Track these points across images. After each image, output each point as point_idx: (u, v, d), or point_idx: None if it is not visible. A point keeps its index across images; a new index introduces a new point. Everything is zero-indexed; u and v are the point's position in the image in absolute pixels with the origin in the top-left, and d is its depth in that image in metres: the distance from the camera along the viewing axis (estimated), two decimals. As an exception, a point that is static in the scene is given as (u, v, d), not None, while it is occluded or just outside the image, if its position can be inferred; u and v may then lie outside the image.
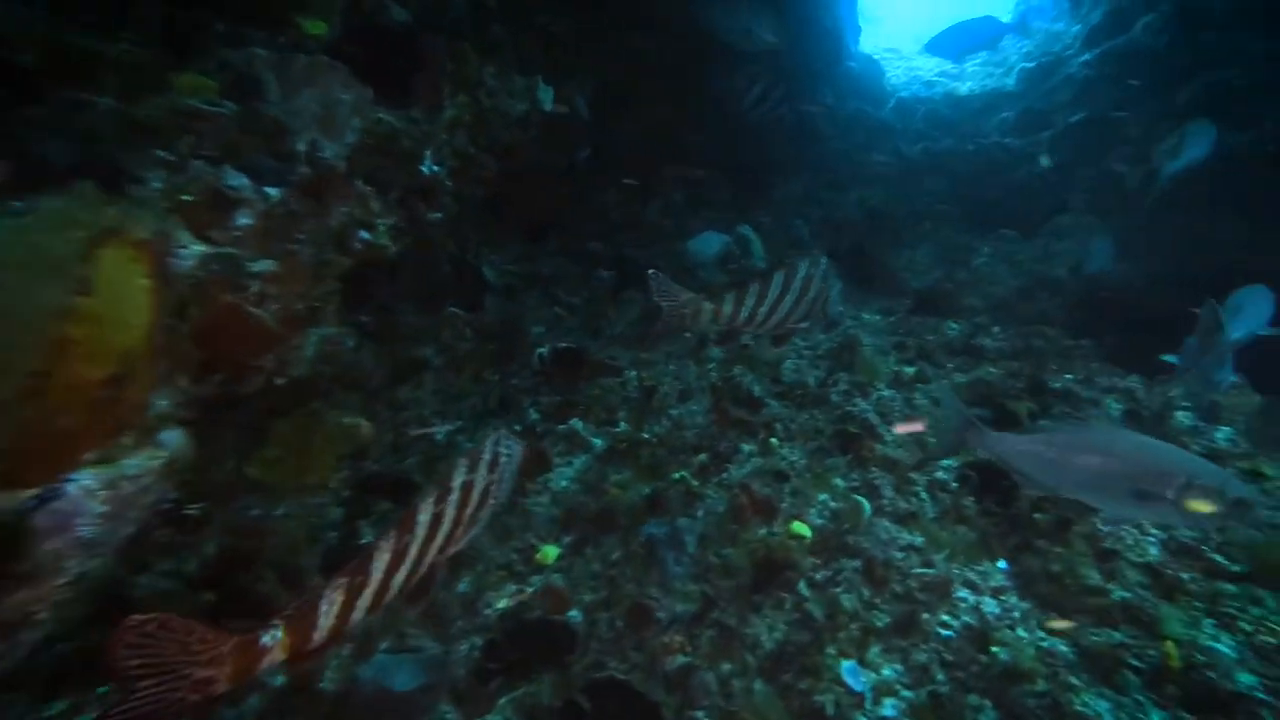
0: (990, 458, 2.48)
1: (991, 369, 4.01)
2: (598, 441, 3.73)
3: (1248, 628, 2.41)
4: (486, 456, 1.98)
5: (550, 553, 3.10)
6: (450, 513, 1.83)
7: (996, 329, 4.87)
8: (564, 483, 3.48)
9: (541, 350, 4.02)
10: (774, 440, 3.70)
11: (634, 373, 4.18)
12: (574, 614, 2.81)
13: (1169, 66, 6.52)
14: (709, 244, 5.92)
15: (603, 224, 6.32)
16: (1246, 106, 5.73)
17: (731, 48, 6.33)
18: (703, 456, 3.57)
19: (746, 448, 3.66)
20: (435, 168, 3.47)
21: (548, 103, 4.68)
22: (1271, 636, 2.36)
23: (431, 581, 1.87)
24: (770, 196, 6.98)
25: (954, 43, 6.57)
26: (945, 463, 3.41)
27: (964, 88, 8.85)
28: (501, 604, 2.83)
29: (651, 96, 6.78)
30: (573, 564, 3.07)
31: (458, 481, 1.87)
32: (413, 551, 1.73)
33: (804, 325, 3.35)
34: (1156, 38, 6.45)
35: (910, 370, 4.19)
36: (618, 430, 3.79)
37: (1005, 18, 8.37)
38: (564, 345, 4.03)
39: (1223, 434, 3.53)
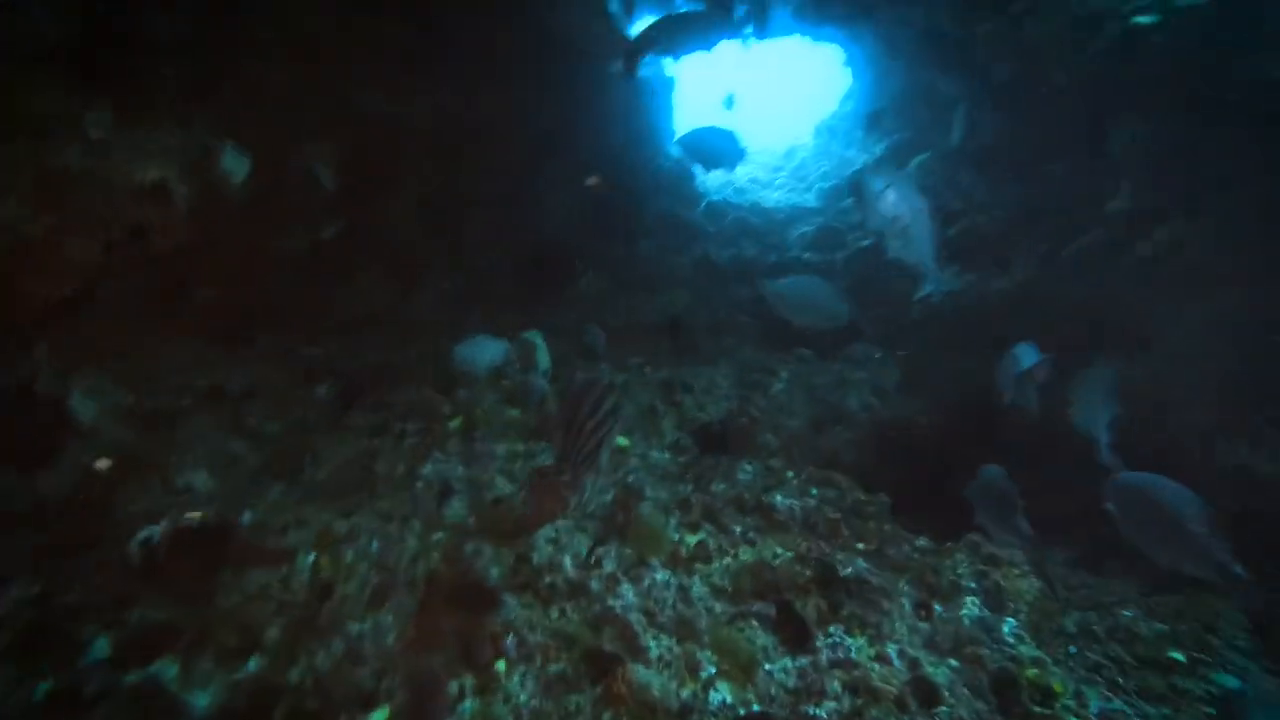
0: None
1: (779, 548, 3.34)
2: (202, 702, 2.33)
3: None
4: None
5: None
6: None
7: (790, 474, 4.34)
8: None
9: (149, 532, 2.57)
10: (500, 665, 2.60)
11: (311, 557, 2.88)
12: None
13: (938, 204, 7.01)
14: (482, 351, 4.88)
15: (343, 320, 5.03)
16: (995, 252, 6.19)
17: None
18: (379, 714, 2.35)
19: (457, 684, 2.52)
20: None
21: (239, 173, 3.44)
22: None
23: None
24: (564, 294, 6.22)
25: (696, 148, 6.33)
26: (718, 697, 2.55)
27: (771, 198, 9.11)
28: None
29: (425, 167, 5.78)
30: None
31: None
32: None
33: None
34: (927, 177, 6.92)
35: (692, 540, 3.40)
36: (243, 674, 2.42)
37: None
38: (191, 518, 2.63)
39: (1008, 626, 3.13)
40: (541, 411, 4.47)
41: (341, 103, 5.06)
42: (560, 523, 3.40)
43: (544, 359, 4.92)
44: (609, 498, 3.69)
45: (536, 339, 4.99)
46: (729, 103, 7.57)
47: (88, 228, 2.65)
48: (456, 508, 3.37)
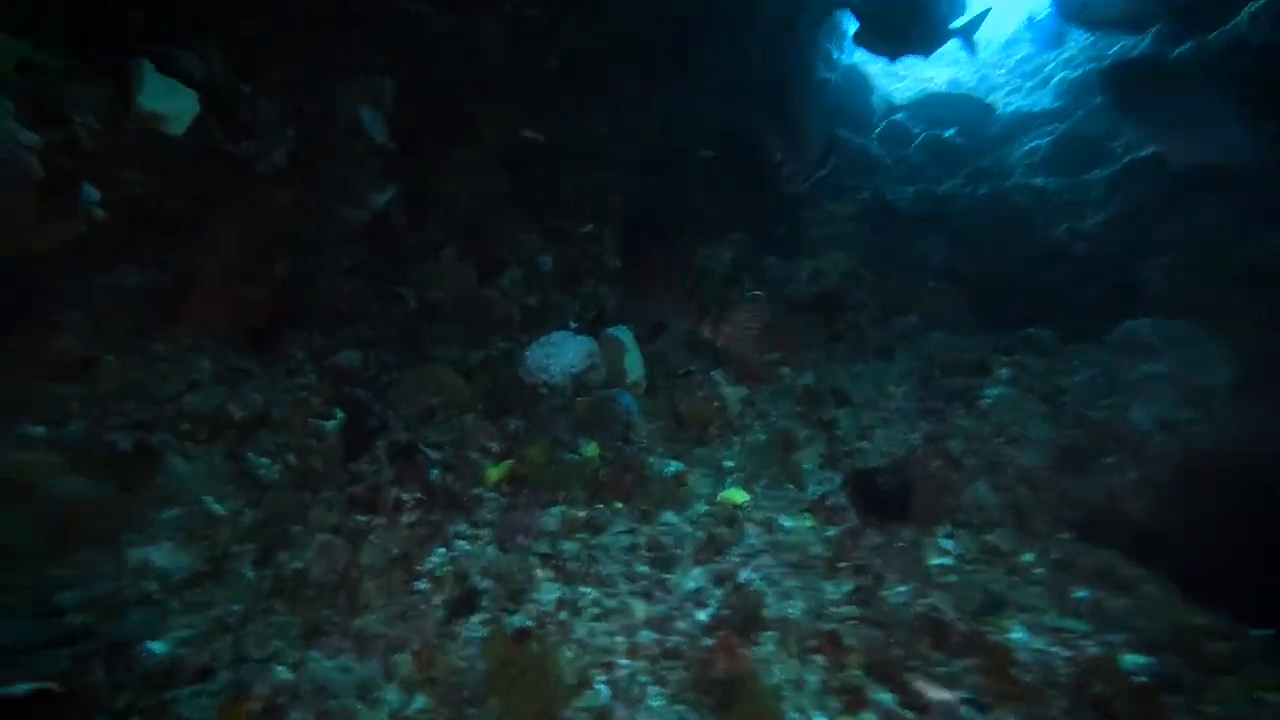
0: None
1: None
2: None
3: None
4: None
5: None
6: None
7: (1029, 558, 2.56)
8: None
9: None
10: None
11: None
12: None
13: None
14: (560, 354, 3.66)
15: (404, 312, 4.08)
16: None
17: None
18: None
19: None
20: None
21: (179, 115, 2.45)
22: None
23: None
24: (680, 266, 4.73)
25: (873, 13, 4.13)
26: None
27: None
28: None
29: (505, 107, 4.57)
30: None
31: None
32: None
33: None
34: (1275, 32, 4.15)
35: (849, 734, 1.87)
36: None
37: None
38: (18, 691, 1.71)
39: None
40: (624, 450, 3.13)
41: (392, 21, 4.00)
42: (622, 665, 2.08)
43: (635, 365, 3.55)
44: (705, 615, 2.27)
45: (625, 336, 3.62)
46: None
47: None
48: (471, 632, 2.19)
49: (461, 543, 2.53)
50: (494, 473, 2.90)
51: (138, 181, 2.53)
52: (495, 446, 3.08)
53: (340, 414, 3.05)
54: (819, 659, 2.07)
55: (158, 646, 1.99)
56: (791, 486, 3.06)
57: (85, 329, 2.81)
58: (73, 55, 2.14)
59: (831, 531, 2.67)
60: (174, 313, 3.17)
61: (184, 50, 2.59)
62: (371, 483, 2.53)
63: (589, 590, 2.37)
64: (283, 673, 1.94)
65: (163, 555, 2.44)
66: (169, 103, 2.39)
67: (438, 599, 2.30)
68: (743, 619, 2.23)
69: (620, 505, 2.86)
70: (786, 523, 2.75)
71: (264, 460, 2.90)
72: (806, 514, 2.81)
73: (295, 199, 3.84)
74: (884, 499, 2.72)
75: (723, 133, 4.99)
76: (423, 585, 2.33)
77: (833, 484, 2.99)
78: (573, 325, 4.20)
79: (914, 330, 3.99)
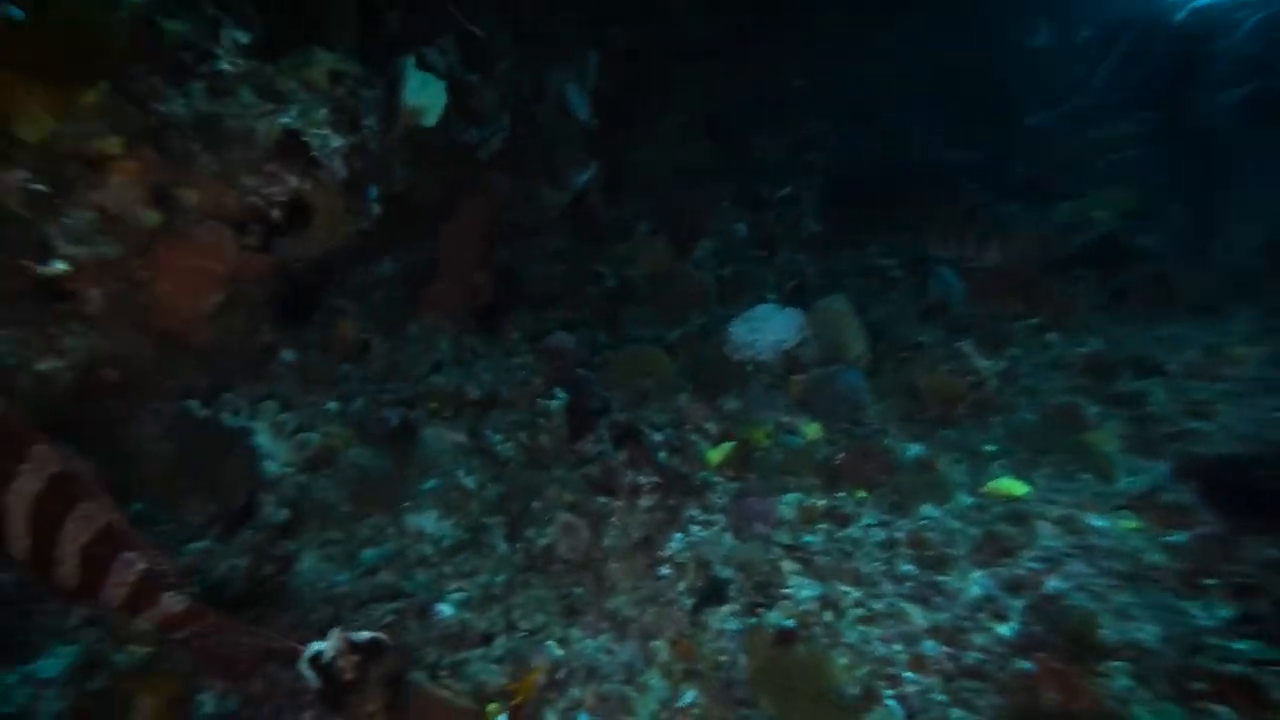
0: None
1: None
2: None
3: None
4: None
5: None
6: None
7: None
8: None
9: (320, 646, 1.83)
10: None
11: None
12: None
13: None
14: (766, 328, 3.34)
15: (607, 289, 4.05)
16: None
17: None
18: None
19: None
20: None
21: (432, 106, 2.56)
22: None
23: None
24: (904, 222, 4.14)
25: None
26: None
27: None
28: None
29: (695, 80, 4.34)
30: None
31: None
32: None
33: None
34: None
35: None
36: None
37: None
38: (359, 637, 1.82)
39: None
40: (854, 431, 2.74)
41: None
42: (909, 680, 1.74)
43: (856, 339, 3.11)
44: (1008, 629, 1.83)
45: (843, 306, 3.19)
46: None
47: (220, 207, 1.96)
48: (722, 624, 2.00)
49: (696, 528, 2.36)
50: (714, 455, 2.70)
51: (403, 176, 2.69)
52: (712, 427, 2.87)
53: (561, 394, 3.05)
54: (1221, 710, 1.53)
55: (447, 609, 2.07)
56: (1089, 476, 2.44)
57: (361, 315, 3.13)
58: (365, 61, 2.30)
59: (1178, 537, 2.04)
60: (420, 298, 3.44)
61: (428, 47, 2.70)
62: (606, 464, 2.45)
63: (849, 589, 2.06)
64: (554, 648, 1.92)
65: (430, 522, 2.58)
66: (425, 96, 2.50)
67: (682, 585, 2.14)
68: (1067, 639, 1.76)
69: (864, 494, 2.48)
70: (1097, 522, 2.17)
71: (499, 437, 2.99)
72: (1126, 511, 2.20)
73: (511, 183, 4.00)
74: (1261, 498, 2.02)
75: (948, 68, 4.26)
76: (666, 570, 2.19)
77: (1156, 474, 2.33)
78: (771, 297, 3.88)
79: (1255, 277, 3.02)
